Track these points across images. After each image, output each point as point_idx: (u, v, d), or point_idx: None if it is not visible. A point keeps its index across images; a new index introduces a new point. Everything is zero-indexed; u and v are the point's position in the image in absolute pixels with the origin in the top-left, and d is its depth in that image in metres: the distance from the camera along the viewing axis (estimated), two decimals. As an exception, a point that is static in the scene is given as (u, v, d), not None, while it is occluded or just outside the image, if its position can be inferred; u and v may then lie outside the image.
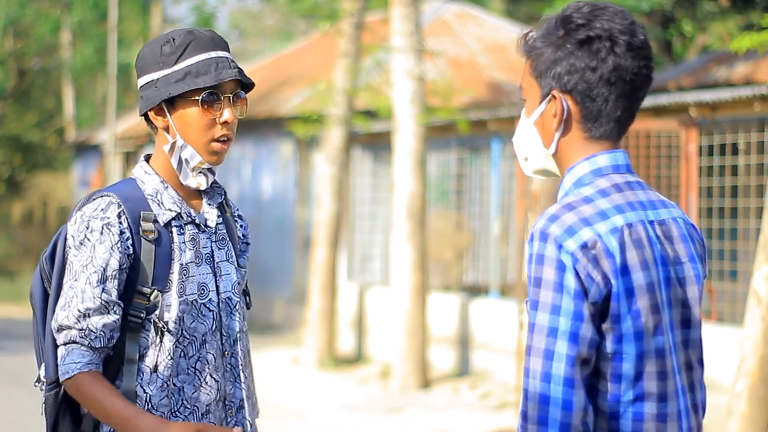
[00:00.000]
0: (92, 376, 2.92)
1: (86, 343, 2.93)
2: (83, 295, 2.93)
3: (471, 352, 12.46)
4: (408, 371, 11.92)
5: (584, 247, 2.36)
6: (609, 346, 2.37)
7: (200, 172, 3.05)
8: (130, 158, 24.65)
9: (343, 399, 11.60)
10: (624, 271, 2.37)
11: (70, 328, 2.93)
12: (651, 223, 2.45)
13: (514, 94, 17.78)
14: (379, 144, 14.73)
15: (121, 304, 2.96)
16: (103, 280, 2.93)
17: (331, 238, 13.82)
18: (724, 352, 8.72)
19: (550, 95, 2.48)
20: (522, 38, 2.54)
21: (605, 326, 2.37)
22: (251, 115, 15.87)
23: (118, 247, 2.94)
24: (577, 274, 2.35)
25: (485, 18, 20.49)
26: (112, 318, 2.94)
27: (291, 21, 35.74)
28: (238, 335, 3.10)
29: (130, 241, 2.95)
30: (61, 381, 2.95)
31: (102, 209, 2.96)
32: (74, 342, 2.93)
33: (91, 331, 2.92)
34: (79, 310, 2.93)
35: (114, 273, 2.94)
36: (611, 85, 2.44)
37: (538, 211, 11.66)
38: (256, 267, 16.64)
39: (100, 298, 2.93)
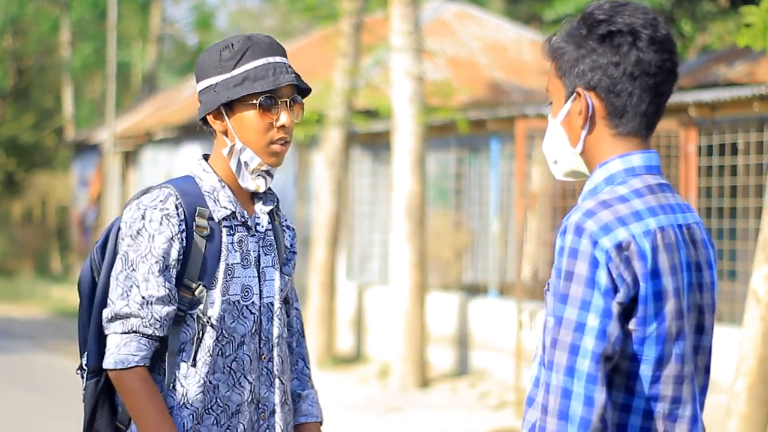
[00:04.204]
0: (145, 373, 2.96)
1: (149, 332, 2.95)
2: (147, 284, 2.95)
3: (470, 352, 12.46)
4: (407, 371, 11.92)
5: (618, 246, 2.35)
6: (631, 346, 2.37)
7: (259, 174, 3.10)
8: (129, 158, 24.63)
9: (342, 398, 11.60)
10: (654, 274, 2.37)
11: (129, 316, 2.95)
12: (680, 227, 2.45)
13: (513, 93, 17.78)
14: (378, 144, 14.73)
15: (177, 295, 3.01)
16: (164, 269, 2.97)
17: (330, 238, 13.82)
18: (724, 351, 8.72)
19: (574, 93, 2.47)
20: (546, 42, 2.54)
21: (630, 327, 2.37)
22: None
23: (177, 238, 2.98)
24: (609, 272, 2.34)
25: (485, 18, 20.49)
26: (172, 307, 2.98)
27: (291, 21, 35.73)
28: (277, 340, 3.13)
29: (185, 234, 3.00)
30: (108, 368, 2.97)
31: (161, 200, 3.00)
32: (135, 332, 2.95)
33: (156, 320, 2.96)
34: (143, 297, 2.95)
35: (173, 263, 2.98)
36: (635, 80, 2.44)
37: (536, 211, 11.66)
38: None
39: (164, 286, 2.96)
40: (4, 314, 19.29)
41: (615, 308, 2.34)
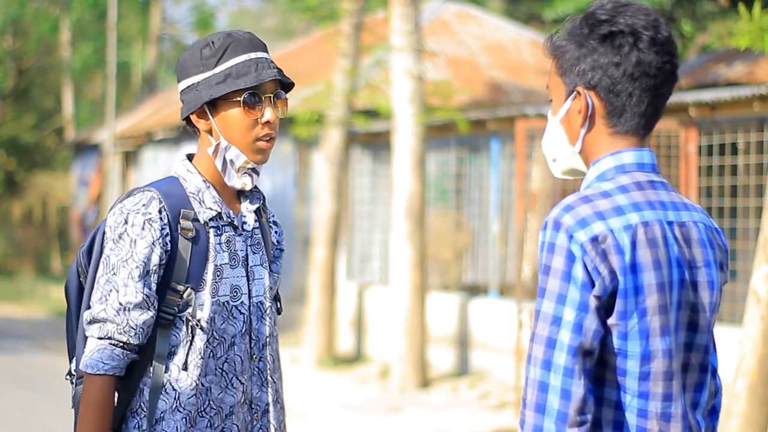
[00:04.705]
0: (110, 385, 2.93)
1: (124, 339, 2.92)
2: (125, 289, 2.93)
3: (470, 352, 12.46)
4: (407, 371, 11.92)
5: (594, 240, 2.36)
6: (614, 341, 2.38)
7: (245, 172, 3.07)
8: (129, 158, 24.63)
9: (342, 399, 11.60)
10: (633, 268, 2.37)
11: (106, 321, 2.93)
12: (670, 224, 2.45)
13: (513, 93, 17.78)
14: (378, 143, 14.73)
15: (158, 301, 2.97)
16: (144, 275, 2.94)
17: (330, 238, 13.82)
18: (724, 351, 8.72)
19: (574, 92, 2.49)
20: (547, 40, 2.55)
21: (611, 321, 2.38)
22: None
23: (159, 243, 2.95)
24: (584, 265, 2.35)
25: (484, 17, 20.49)
26: (150, 314, 2.94)
27: (291, 21, 35.74)
28: (268, 339, 3.11)
29: (168, 238, 2.96)
30: (80, 369, 2.96)
31: (143, 204, 2.97)
32: (110, 338, 2.93)
33: (131, 327, 2.93)
34: (120, 303, 2.92)
35: (154, 268, 2.95)
36: (635, 80, 2.45)
37: (537, 211, 11.65)
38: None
39: (143, 292, 2.93)
40: (4, 314, 19.29)
41: (592, 302, 2.35)
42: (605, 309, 2.37)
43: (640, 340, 2.38)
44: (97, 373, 2.91)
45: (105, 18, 28.44)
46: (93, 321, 2.95)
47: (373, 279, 14.85)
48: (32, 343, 15.51)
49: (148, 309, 2.94)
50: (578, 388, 2.33)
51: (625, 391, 2.39)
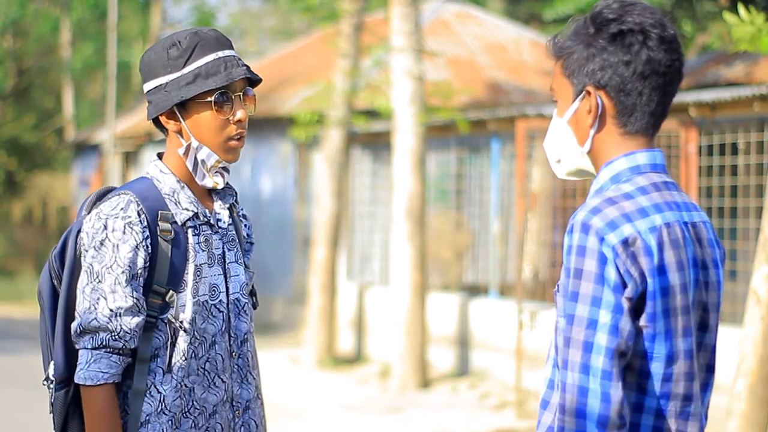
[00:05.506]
0: (112, 392, 2.91)
1: (120, 345, 2.89)
2: (114, 295, 2.89)
3: (470, 352, 12.46)
4: (407, 371, 11.92)
5: (625, 242, 2.36)
6: (641, 343, 2.38)
7: (216, 171, 3.06)
8: (129, 158, 24.63)
9: (342, 399, 11.60)
10: (661, 270, 2.37)
11: (98, 330, 2.89)
12: (686, 224, 2.46)
13: (513, 93, 17.78)
14: (378, 144, 14.73)
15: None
16: (131, 279, 2.91)
17: (330, 238, 13.82)
18: (724, 351, 8.72)
19: (584, 92, 2.47)
20: (550, 41, 2.54)
21: (640, 324, 2.37)
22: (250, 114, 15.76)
23: (143, 246, 2.92)
24: (617, 267, 2.34)
25: (485, 18, 20.49)
26: (141, 317, 2.92)
27: (291, 21, 35.74)
28: (246, 336, 3.09)
29: (149, 240, 2.94)
30: (78, 383, 2.92)
31: (122, 208, 2.93)
32: (105, 347, 2.90)
33: (126, 332, 2.90)
34: (111, 310, 2.89)
35: (140, 272, 2.92)
36: (645, 79, 2.44)
37: (537, 211, 11.66)
38: (256, 267, 16.51)
39: (132, 296, 2.91)
40: (4, 314, 19.29)
41: (625, 303, 2.34)
42: (634, 311, 2.37)
43: (665, 341, 2.38)
44: (98, 383, 2.89)
45: (105, 18, 28.44)
46: (84, 332, 2.91)
47: (373, 279, 14.85)
48: (32, 343, 15.50)
49: (139, 312, 2.92)
50: (617, 390, 2.32)
51: (645, 393, 2.39)
